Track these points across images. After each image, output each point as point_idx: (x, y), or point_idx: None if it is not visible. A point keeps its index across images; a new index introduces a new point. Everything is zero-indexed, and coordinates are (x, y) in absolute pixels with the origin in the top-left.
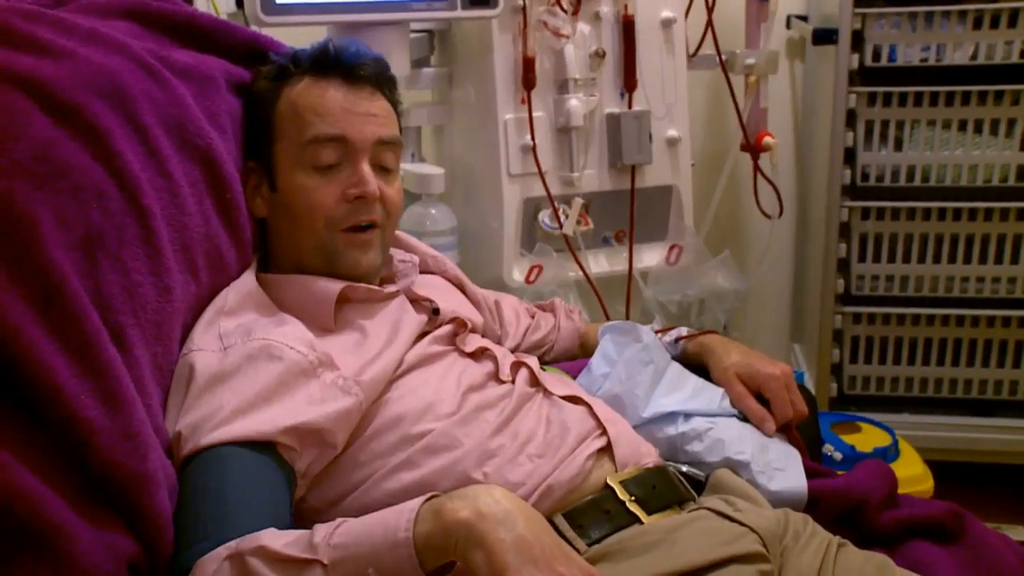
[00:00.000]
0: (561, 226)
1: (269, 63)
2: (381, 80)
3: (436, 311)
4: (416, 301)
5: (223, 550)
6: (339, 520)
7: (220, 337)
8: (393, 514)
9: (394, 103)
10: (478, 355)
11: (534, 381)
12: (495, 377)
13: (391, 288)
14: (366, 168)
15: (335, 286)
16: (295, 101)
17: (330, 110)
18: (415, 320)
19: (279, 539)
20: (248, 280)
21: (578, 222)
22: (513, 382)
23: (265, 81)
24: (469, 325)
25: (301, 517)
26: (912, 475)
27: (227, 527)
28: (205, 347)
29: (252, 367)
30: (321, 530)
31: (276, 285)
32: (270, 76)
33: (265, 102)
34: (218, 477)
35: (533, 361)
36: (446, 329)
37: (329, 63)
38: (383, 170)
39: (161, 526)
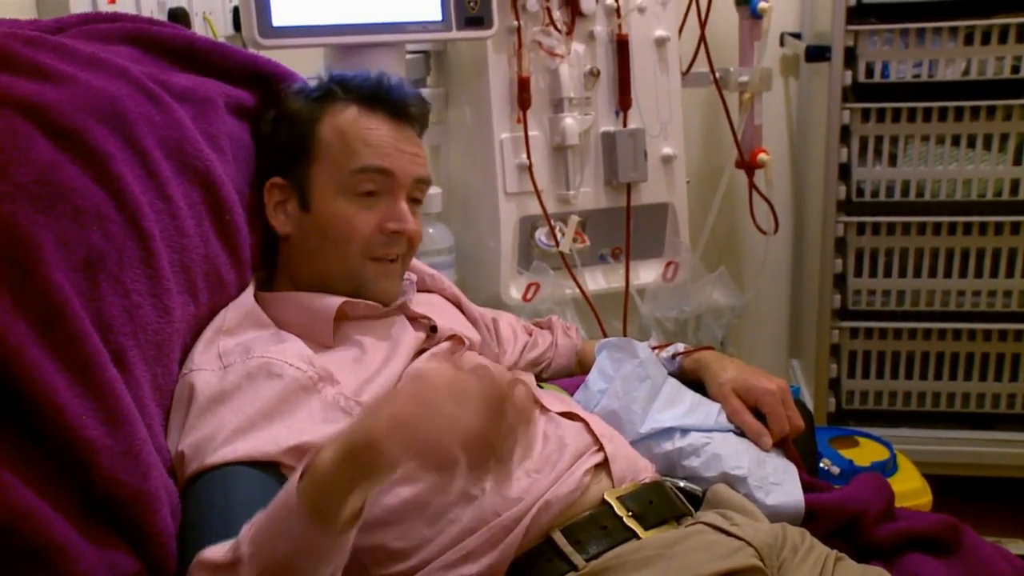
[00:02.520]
0: (558, 244)
1: (299, 84)
2: (424, 122)
3: (434, 329)
4: (414, 319)
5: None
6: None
7: (220, 356)
8: (288, 487)
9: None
10: None
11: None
12: None
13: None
14: (405, 205)
15: (334, 301)
16: (344, 129)
17: (380, 143)
18: (413, 337)
19: (219, 549)
20: (247, 299)
21: (574, 240)
22: None
23: (304, 100)
24: (467, 343)
25: None
26: (910, 489)
27: None
28: (205, 367)
29: (252, 385)
30: (246, 527)
31: (274, 303)
32: (311, 96)
33: (302, 121)
34: (223, 495)
35: (530, 378)
36: (444, 347)
37: (380, 97)
38: (413, 205)
39: (163, 544)
